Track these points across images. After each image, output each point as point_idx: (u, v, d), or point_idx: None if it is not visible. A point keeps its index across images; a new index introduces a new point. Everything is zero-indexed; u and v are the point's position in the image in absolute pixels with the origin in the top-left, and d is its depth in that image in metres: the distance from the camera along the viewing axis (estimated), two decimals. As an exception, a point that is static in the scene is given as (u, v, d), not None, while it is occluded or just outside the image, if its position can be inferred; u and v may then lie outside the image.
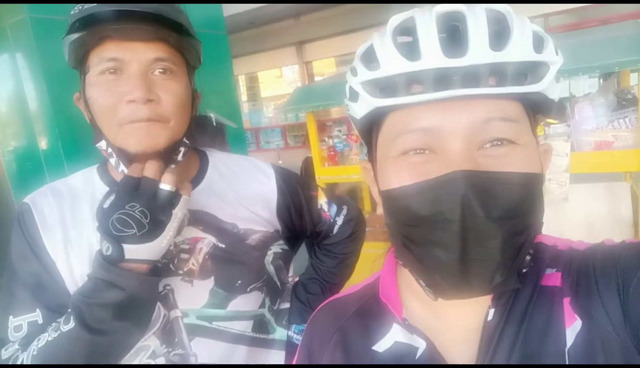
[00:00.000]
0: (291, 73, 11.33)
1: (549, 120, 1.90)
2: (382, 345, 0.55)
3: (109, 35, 0.72)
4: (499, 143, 0.44)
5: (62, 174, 0.89)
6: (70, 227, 0.79)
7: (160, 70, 0.75)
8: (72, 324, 0.67)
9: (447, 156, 0.44)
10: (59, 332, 0.68)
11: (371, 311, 0.59)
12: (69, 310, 0.69)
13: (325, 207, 1.01)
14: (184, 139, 0.81)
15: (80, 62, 0.76)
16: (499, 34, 0.44)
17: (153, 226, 0.67)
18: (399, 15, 0.48)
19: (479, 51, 0.42)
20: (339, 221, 1.02)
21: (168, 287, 0.80)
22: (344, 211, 1.03)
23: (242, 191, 0.90)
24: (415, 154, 0.46)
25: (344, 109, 0.56)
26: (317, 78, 10.77)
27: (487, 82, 0.43)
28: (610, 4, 7.12)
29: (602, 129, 1.84)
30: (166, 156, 0.77)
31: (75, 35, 0.72)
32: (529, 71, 0.44)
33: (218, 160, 0.93)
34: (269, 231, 0.91)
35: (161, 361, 0.78)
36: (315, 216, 1.00)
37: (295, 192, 0.97)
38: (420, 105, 0.45)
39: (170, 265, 0.80)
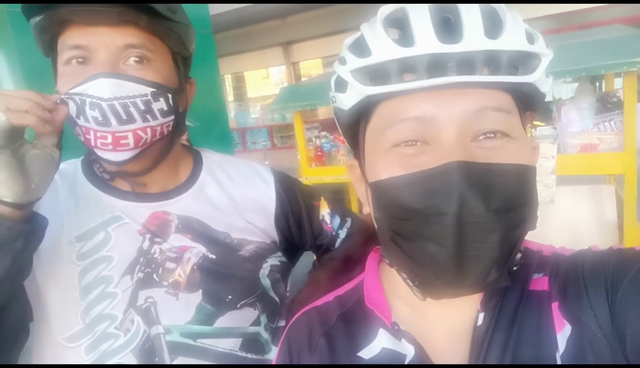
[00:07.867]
0: (278, 74, 11.30)
1: (535, 122, 1.92)
2: (369, 352, 0.52)
3: (69, 18, 0.65)
4: (492, 135, 0.43)
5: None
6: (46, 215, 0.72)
7: (136, 58, 0.68)
8: None
9: (441, 147, 0.43)
10: None
11: (355, 317, 0.56)
12: None
13: (327, 219, 0.93)
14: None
15: (50, 49, 0.70)
16: (493, 24, 0.43)
17: None
18: (388, 6, 0.46)
19: (474, 37, 0.41)
20: (342, 234, 0.93)
21: (150, 300, 0.73)
22: (348, 224, 0.94)
23: (237, 198, 0.84)
24: (407, 146, 0.45)
25: (330, 110, 0.54)
26: (303, 79, 10.77)
27: (481, 70, 0.42)
28: (593, 9, 7.29)
29: (588, 132, 1.86)
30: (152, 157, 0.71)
31: (36, 19, 0.65)
32: (522, 61, 0.44)
33: (213, 162, 0.87)
34: (265, 242, 0.85)
35: None
36: (315, 227, 0.92)
37: (295, 201, 0.90)
38: (413, 94, 0.43)
39: (154, 275, 0.74)
